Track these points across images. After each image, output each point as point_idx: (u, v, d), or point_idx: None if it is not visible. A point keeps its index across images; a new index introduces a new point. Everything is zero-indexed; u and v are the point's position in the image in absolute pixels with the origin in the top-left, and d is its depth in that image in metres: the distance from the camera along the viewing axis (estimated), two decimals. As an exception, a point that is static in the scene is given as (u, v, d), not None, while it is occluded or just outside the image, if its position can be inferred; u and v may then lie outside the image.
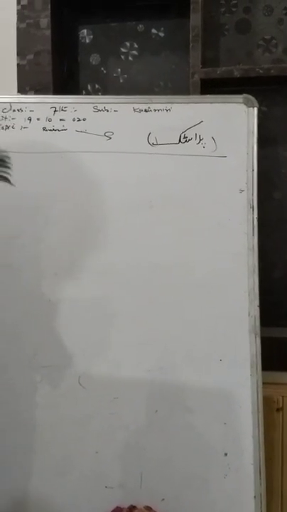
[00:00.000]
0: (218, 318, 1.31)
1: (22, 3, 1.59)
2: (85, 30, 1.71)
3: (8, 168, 1.07)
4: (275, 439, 1.45)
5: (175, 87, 1.66)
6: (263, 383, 1.30)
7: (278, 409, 1.45)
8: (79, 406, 1.31)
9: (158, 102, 1.38)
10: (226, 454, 1.27)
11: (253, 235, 1.33)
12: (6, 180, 1.07)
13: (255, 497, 1.25)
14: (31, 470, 1.30)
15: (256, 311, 1.30)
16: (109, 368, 1.31)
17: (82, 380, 1.31)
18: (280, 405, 1.45)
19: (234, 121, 1.38)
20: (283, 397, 1.46)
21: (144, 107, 1.38)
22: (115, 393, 1.31)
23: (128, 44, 1.68)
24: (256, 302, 1.31)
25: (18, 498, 1.30)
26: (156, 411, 1.30)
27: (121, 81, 1.69)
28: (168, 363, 1.31)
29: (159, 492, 1.27)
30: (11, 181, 1.08)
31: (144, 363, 1.31)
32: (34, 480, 1.30)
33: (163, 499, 1.27)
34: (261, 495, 1.26)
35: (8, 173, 1.07)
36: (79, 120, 1.39)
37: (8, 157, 1.07)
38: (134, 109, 1.38)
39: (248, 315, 1.31)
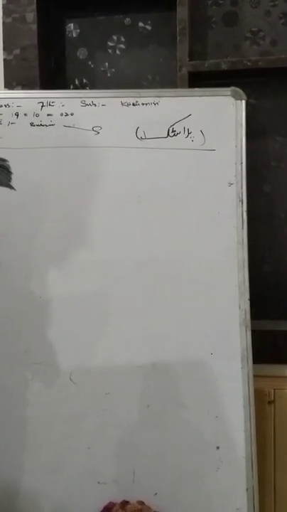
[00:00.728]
0: (209, 312, 1.31)
1: (7, -3, 1.58)
2: (72, 24, 1.69)
3: (11, 173, 1.07)
4: (268, 432, 1.45)
5: (163, 80, 1.65)
6: (255, 376, 1.31)
7: (269, 402, 1.45)
8: (71, 402, 1.31)
9: (145, 96, 1.38)
10: (218, 448, 1.28)
11: (242, 229, 1.33)
12: (11, 187, 1.08)
13: (247, 490, 1.26)
14: (24, 467, 1.30)
15: (246, 305, 1.31)
16: (100, 364, 1.31)
17: (73, 377, 1.31)
18: (272, 398, 1.46)
19: (222, 114, 1.37)
20: (274, 389, 1.46)
21: (132, 100, 1.38)
22: (107, 389, 1.31)
23: (115, 38, 1.67)
24: (247, 295, 1.31)
25: (12, 496, 1.30)
26: (148, 406, 1.30)
27: (108, 75, 1.68)
28: (159, 357, 1.31)
29: (152, 487, 1.28)
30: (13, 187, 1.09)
31: (136, 358, 1.31)
32: (27, 477, 1.30)
33: (156, 493, 1.28)
34: (253, 487, 1.26)
35: (10, 179, 1.07)
36: (66, 115, 1.38)
37: (9, 166, 1.07)
38: (122, 103, 1.38)
39: (239, 308, 1.31)
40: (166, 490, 1.27)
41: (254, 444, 1.27)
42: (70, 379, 1.31)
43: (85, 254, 1.35)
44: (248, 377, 1.28)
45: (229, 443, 1.27)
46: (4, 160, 1.05)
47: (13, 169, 1.34)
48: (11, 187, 1.06)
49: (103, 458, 1.29)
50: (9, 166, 1.04)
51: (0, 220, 1.36)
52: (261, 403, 1.44)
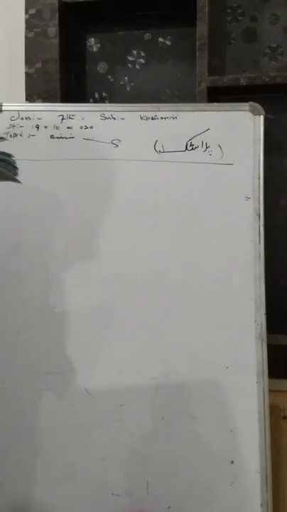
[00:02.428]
0: (224, 326, 1.31)
1: (30, 12, 1.61)
2: (93, 39, 1.72)
3: (17, 168, 1.08)
4: (282, 447, 1.44)
5: (182, 95, 1.67)
6: (270, 391, 1.30)
7: (284, 417, 1.45)
8: (86, 413, 1.31)
9: (164, 110, 1.39)
10: (232, 462, 1.27)
11: (259, 243, 1.33)
12: (17, 181, 1.09)
13: (262, 505, 1.25)
14: (37, 478, 1.30)
15: (262, 319, 1.30)
16: (114, 375, 1.32)
17: (88, 387, 1.31)
18: (287, 413, 1.45)
19: (240, 129, 1.38)
20: (289, 404, 1.46)
21: (151, 114, 1.39)
22: (121, 400, 1.31)
23: (135, 52, 1.70)
24: (263, 310, 1.31)
25: (25, 506, 1.30)
26: (163, 418, 1.30)
27: (128, 89, 1.70)
28: (174, 370, 1.31)
29: (165, 499, 1.27)
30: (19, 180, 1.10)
31: (150, 370, 1.31)
32: (40, 487, 1.30)
33: (169, 507, 1.27)
34: (267, 503, 1.25)
35: (16, 174, 1.09)
36: (86, 128, 1.40)
37: (14, 161, 1.09)
38: (141, 117, 1.39)
39: (255, 322, 1.30)
40: (180, 503, 1.27)
41: (269, 459, 1.26)
42: (85, 390, 1.31)
43: (100, 266, 1.35)
44: (263, 391, 1.28)
45: (243, 457, 1.26)
46: (9, 155, 1.07)
47: (31, 181, 1.36)
48: (17, 181, 1.08)
49: (117, 469, 1.29)
50: (14, 162, 1.05)
51: (17, 230, 1.37)
52: (276, 418, 1.43)
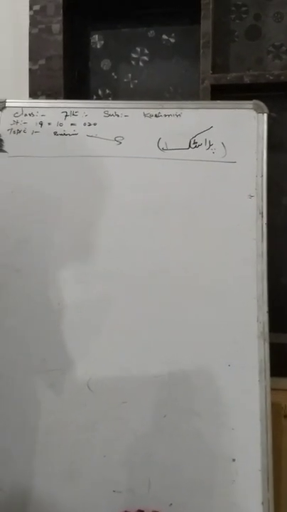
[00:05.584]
0: (227, 324, 1.31)
1: (34, 8, 1.61)
2: (96, 36, 1.72)
3: (2, 140, 1.09)
4: (284, 445, 1.44)
5: (185, 92, 1.67)
6: (272, 389, 1.30)
7: (285, 416, 1.45)
8: (88, 410, 1.31)
9: (168, 108, 1.39)
10: (234, 460, 1.27)
11: (262, 241, 1.33)
12: (3, 151, 1.10)
13: (263, 503, 1.25)
14: (39, 475, 1.30)
15: (264, 317, 1.30)
16: (117, 373, 1.31)
17: (90, 384, 1.31)
18: (288, 412, 1.45)
19: (243, 127, 1.38)
20: (290, 403, 1.46)
21: (154, 112, 1.39)
22: (124, 398, 1.31)
23: (138, 49, 1.69)
24: (265, 308, 1.31)
25: (26, 504, 1.30)
26: (165, 416, 1.30)
27: (131, 86, 1.70)
28: (176, 368, 1.31)
29: (167, 497, 1.27)
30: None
31: (153, 367, 1.31)
32: (42, 484, 1.30)
33: (171, 504, 1.27)
34: (268, 501, 1.25)
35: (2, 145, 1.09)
36: (89, 125, 1.40)
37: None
38: (144, 114, 1.39)
39: (257, 321, 1.30)
40: (181, 501, 1.27)
41: (270, 457, 1.26)
42: (88, 387, 1.31)
43: (103, 263, 1.35)
44: (265, 390, 1.28)
45: (245, 456, 1.26)
46: None
47: (35, 177, 1.37)
48: (4, 151, 1.09)
49: (119, 466, 1.28)
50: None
51: (21, 226, 1.37)
52: (277, 416, 1.43)
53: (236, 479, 1.26)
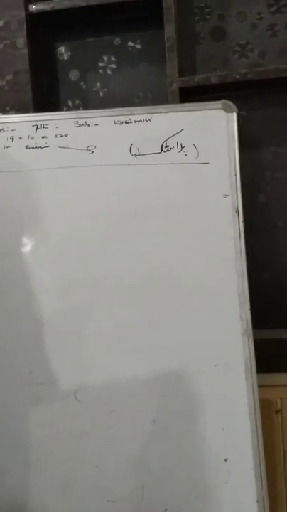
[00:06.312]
0: (210, 324, 1.31)
1: (-2, 24, 1.61)
2: (62, 47, 1.72)
3: None
4: (276, 441, 1.44)
5: (155, 97, 1.67)
6: (261, 386, 1.30)
7: (276, 411, 1.45)
8: (78, 421, 1.31)
9: (137, 113, 1.40)
10: (226, 460, 1.27)
11: (239, 239, 1.34)
12: None
13: (258, 501, 1.25)
14: (32, 487, 1.29)
15: (247, 314, 1.31)
16: (104, 381, 1.31)
17: (78, 395, 1.31)
18: (279, 407, 1.45)
19: (214, 128, 1.39)
20: (281, 398, 1.45)
21: (124, 119, 1.40)
22: (112, 406, 1.30)
23: (105, 58, 1.70)
24: (247, 305, 1.31)
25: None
26: (154, 420, 1.29)
27: (101, 95, 1.71)
28: (163, 372, 1.31)
29: (161, 502, 1.27)
30: None
31: (139, 373, 1.31)
32: (35, 497, 1.29)
33: (166, 509, 1.27)
34: (263, 498, 1.25)
35: None
36: (61, 136, 1.40)
37: None
38: (115, 122, 1.40)
39: (240, 318, 1.31)
40: (176, 505, 1.26)
41: (262, 455, 1.26)
42: (75, 397, 1.31)
43: (85, 272, 1.35)
44: (252, 387, 1.28)
45: (236, 455, 1.26)
46: None
47: (10, 191, 1.37)
48: None
49: (111, 475, 1.28)
50: None
51: (1, 239, 1.37)
52: (269, 413, 1.43)
53: (229, 479, 1.26)
